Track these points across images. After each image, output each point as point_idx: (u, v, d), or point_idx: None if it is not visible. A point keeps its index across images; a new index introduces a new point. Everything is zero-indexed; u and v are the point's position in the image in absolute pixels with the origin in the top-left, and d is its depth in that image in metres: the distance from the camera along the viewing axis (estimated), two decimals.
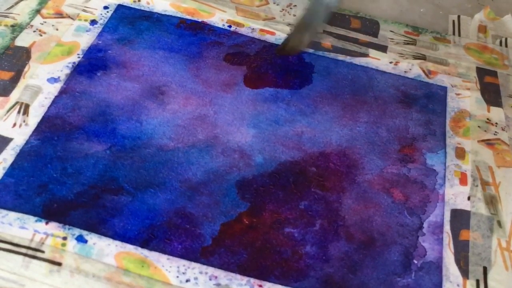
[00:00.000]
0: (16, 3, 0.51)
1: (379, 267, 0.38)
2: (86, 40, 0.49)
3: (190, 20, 0.53)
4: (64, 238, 0.36)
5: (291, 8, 0.56)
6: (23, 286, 0.34)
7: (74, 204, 0.38)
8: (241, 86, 0.48)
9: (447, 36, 0.56)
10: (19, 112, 0.43)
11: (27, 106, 0.43)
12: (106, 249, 0.36)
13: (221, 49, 0.50)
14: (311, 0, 0.48)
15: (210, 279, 0.35)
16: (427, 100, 0.49)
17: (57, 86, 0.45)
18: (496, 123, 0.48)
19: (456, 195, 0.42)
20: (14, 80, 0.45)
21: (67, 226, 0.37)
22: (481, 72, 0.52)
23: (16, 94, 0.44)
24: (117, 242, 0.36)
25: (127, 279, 0.35)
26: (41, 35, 0.48)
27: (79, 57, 0.47)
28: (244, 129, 0.44)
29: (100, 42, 0.49)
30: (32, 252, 0.35)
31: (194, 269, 0.36)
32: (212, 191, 0.40)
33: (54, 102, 0.44)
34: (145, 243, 0.36)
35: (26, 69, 0.46)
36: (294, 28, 0.50)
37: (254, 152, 0.43)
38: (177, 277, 0.35)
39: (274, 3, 0.56)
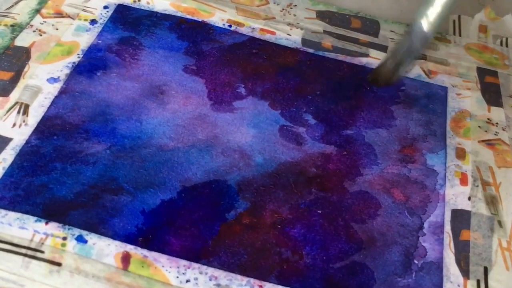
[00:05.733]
0: (16, 3, 0.51)
1: (379, 267, 0.37)
2: (86, 40, 0.49)
3: (190, 19, 0.53)
4: (64, 238, 0.36)
5: (291, 8, 0.56)
6: (23, 287, 0.34)
7: (74, 204, 0.38)
8: (241, 85, 0.47)
9: (448, 36, 0.56)
10: (18, 112, 0.43)
11: (27, 106, 0.43)
12: (106, 249, 0.36)
13: (221, 49, 0.50)
14: (408, 31, 0.45)
15: (210, 280, 0.35)
16: (428, 100, 0.49)
17: (57, 86, 0.45)
18: (497, 123, 0.48)
19: (457, 195, 0.42)
20: (14, 80, 0.44)
21: (67, 226, 0.36)
22: (482, 72, 0.52)
23: (15, 94, 0.44)
24: (117, 242, 0.36)
25: (127, 279, 0.35)
26: (41, 35, 0.48)
27: (79, 57, 0.47)
28: (244, 129, 0.44)
29: (100, 41, 0.49)
30: (32, 252, 0.35)
31: (194, 269, 0.36)
32: (212, 191, 0.40)
33: (54, 102, 0.44)
34: (145, 243, 0.36)
35: (26, 69, 0.45)
36: (390, 58, 0.46)
37: (254, 152, 0.43)
38: (177, 277, 0.35)
39: (274, 3, 0.56)
